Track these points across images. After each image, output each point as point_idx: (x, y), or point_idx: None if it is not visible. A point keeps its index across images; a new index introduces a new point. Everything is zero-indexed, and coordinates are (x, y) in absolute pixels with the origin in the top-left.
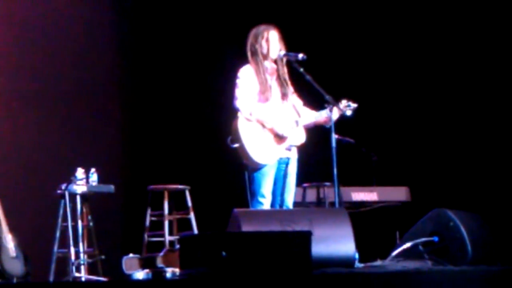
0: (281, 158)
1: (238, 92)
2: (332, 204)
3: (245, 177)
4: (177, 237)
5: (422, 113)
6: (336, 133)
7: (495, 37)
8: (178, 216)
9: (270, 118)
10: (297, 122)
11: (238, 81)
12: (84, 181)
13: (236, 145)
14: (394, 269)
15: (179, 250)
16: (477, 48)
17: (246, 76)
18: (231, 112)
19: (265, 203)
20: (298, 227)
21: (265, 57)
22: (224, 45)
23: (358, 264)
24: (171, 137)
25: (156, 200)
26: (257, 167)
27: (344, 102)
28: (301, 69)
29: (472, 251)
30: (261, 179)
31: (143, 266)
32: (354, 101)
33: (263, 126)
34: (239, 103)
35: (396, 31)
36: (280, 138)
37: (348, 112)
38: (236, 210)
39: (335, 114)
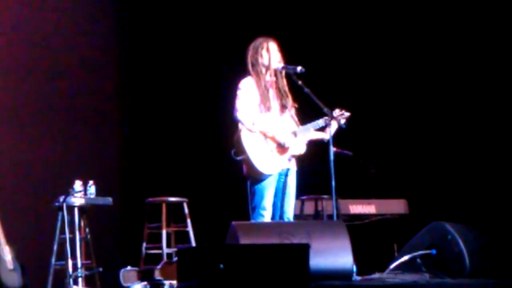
0: (281, 169)
1: (239, 103)
2: (330, 216)
3: (247, 189)
4: (175, 249)
5: (420, 126)
6: (334, 145)
7: (493, 48)
8: (176, 229)
9: (271, 128)
10: (295, 133)
11: (239, 92)
12: (82, 193)
13: (240, 157)
14: (392, 282)
15: (177, 263)
16: (472, 62)
17: (247, 88)
18: (231, 124)
19: (266, 215)
20: (296, 240)
21: (266, 68)
22: (224, 56)
23: (356, 277)
24: (169, 149)
25: (154, 212)
26: (261, 178)
27: (337, 111)
28: (300, 82)
29: (470, 264)
30: (263, 191)
31: (141, 279)
32: (346, 110)
33: (265, 136)
34: (240, 114)
35: (393, 43)
36: (282, 148)
37: (342, 121)
38: (234, 222)
39: (333, 127)
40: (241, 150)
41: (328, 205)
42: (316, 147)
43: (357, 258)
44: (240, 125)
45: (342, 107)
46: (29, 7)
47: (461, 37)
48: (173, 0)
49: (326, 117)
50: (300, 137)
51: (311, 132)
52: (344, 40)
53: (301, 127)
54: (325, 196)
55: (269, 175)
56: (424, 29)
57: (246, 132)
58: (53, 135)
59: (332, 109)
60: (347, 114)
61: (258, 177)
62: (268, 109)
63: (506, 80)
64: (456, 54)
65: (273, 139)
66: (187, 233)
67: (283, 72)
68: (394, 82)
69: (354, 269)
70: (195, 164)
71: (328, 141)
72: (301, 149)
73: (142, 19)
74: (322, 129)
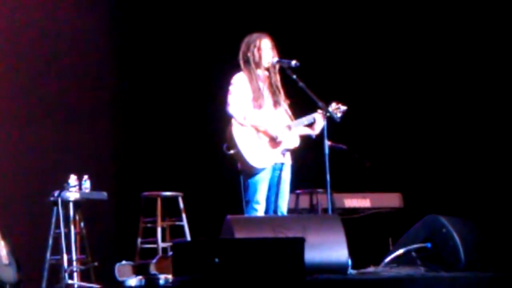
0: (275, 164)
1: (231, 98)
2: (325, 210)
3: (240, 183)
4: (170, 243)
5: (414, 119)
6: (328, 139)
7: (488, 45)
8: (171, 223)
9: (264, 122)
10: (289, 127)
11: (231, 87)
12: (77, 188)
13: (232, 151)
14: (387, 275)
15: (172, 257)
16: (465, 56)
17: (239, 83)
18: (224, 119)
19: (260, 209)
20: (291, 234)
21: (258, 65)
22: (218, 51)
23: (351, 271)
24: (164, 143)
25: (149, 207)
26: (253, 173)
27: (333, 105)
28: (294, 76)
29: (464, 258)
30: (256, 185)
31: (136, 273)
32: (343, 104)
33: (257, 130)
34: (231, 108)
35: (387, 36)
36: (274, 141)
37: (338, 115)
38: (229, 216)
39: (322, 122)
40: (232, 144)
41: (323, 199)
42: (311, 141)
43: (352, 252)
44: (232, 120)
45: (337, 100)
46: (23, 5)
47: (457, 31)
48: None
49: (320, 111)
50: (294, 130)
51: (302, 126)
52: (338, 33)
53: (295, 121)
54: (320, 190)
55: (262, 169)
56: (418, 21)
57: (237, 126)
58: (48, 130)
59: (328, 103)
60: (343, 108)
61: (250, 171)
62: (260, 105)
63: (499, 72)
64: (451, 47)
65: (265, 133)
66: (182, 227)
67: (277, 66)
68: (389, 75)
69: (349, 263)
70: (190, 159)
71: (317, 136)
72: (295, 143)
73: (137, 16)
74: (311, 124)
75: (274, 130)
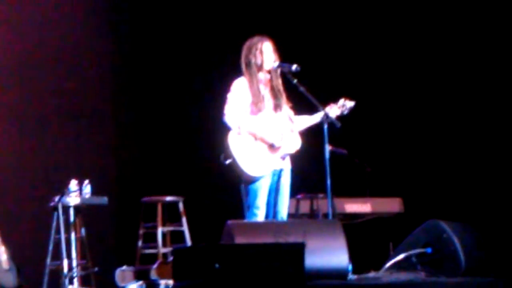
0: (274, 169)
1: (227, 107)
2: (326, 215)
3: (241, 189)
4: (170, 249)
5: (415, 124)
6: (329, 144)
7: (492, 47)
8: (171, 228)
9: (261, 128)
10: (291, 130)
11: (228, 95)
12: (77, 193)
13: (228, 161)
14: (388, 280)
15: (173, 262)
16: (466, 58)
17: (238, 89)
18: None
19: (260, 214)
20: (291, 239)
21: (259, 68)
22: (220, 56)
23: (351, 276)
24: (165, 148)
25: (149, 212)
26: (252, 180)
27: (341, 102)
28: (295, 81)
29: (465, 263)
30: (256, 191)
31: (136, 278)
32: (350, 99)
33: (255, 137)
34: (227, 118)
35: (388, 41)
36: (273, 148)
37: (345, 112)
38: (229, 221)
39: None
40: (229, 154)
41: (324, 204)
42: (311, 146)
43: (352, 257)
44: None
45: (344, 97)
46: (23, 5)
47: (457, 34)
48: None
49: (323, 118)
50: (296, 132)
51: (306, 121)
52: (338, 38)
53: (296, 123)
54: (321, 195)
55: (261, 177)
56: (419, 26)
57: (234, 136)
58: (48, 135)
59: (336, 100)
60: (350, 103)
61: (249, 179)
62: (260, 109)
63: (499, 76)
64: (451, 52)
65: (262, 140)
66: (183, 232)
67: (278, 70)
68: (389, 80)
69: (350, 268)
70: (190, 163)
71: (323, 139)
72: (296, 146)
73: (138, 21)
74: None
75: (271, 137)
